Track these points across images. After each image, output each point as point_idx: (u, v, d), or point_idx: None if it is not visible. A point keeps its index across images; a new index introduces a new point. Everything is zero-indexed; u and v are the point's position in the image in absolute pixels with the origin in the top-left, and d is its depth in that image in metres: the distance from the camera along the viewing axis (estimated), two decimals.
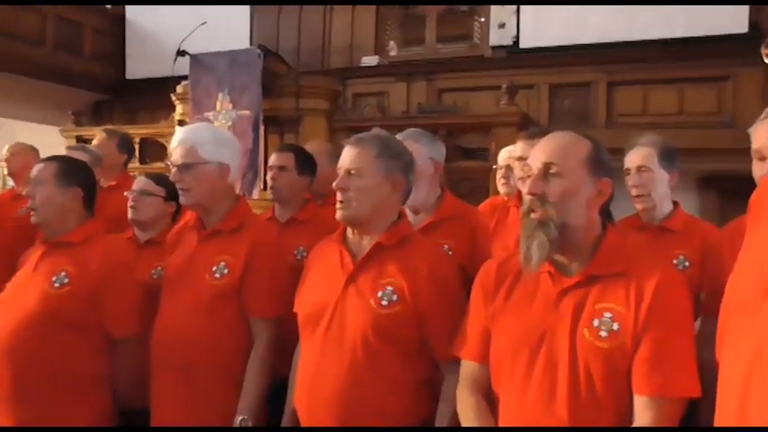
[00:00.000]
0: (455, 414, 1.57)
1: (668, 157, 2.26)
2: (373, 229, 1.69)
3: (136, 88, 6.65)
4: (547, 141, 1.41)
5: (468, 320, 1.53)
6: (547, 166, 1.37)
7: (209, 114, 3.99)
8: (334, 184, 1.69)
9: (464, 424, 1.46)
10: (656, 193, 2.25)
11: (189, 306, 1.91)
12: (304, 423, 1.68)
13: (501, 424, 1.40)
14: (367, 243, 1.69)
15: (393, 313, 1.59)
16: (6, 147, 3.73)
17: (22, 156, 3.63)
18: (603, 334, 1.29)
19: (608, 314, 1.30)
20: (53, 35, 6.23)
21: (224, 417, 1.86)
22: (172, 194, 2.37)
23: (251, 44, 5.58)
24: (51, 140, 4.95)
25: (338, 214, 1.68)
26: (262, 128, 3.85)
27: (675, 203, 2.32)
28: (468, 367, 1.50)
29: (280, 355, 1.93)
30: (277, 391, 1.90)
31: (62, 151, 3.15)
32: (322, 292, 1.69)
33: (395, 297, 1.60)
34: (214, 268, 1.93)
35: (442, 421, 1.61)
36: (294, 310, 1.79)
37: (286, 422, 1.82)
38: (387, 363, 1.59)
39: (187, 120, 4.16)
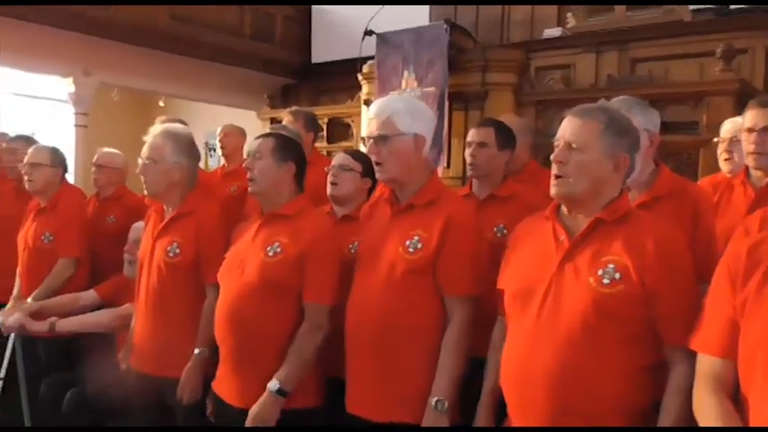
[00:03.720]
0: (682, 407, 1.42)
1: None
2: (590, 209, 1.59)
3: (320, 72, 6.96)
4: None
5: (708, 308, 1.37)
6: None
7: (395, 93, 4.01)
8: (552, 156, 1.60)
9: (704, 425, 1.30)
10: None
11: (382, 280, 1.93)
12: (512, 402, 1.63)
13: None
14: (583, 219, 1.59)
15: (615, 292, 1.48)
16: (220, 128, 4.07)
17: (233, 136, 3.93)
18: None
19: None
20: (250, 25, 6.74)
21: (419, 394, 1.86)
22: (368, 171, 2.42)
23: (430, 20, 5.54)
24: (249, 123, 5.32)
25: (553, 191, 1.59)
26: (447, 104, 3.79)
27: None
28: (707, 363, 1.34)
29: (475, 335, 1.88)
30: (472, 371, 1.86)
31: (260, 133, 3.35)
32: (533, 270, 1.62)
33: (617, 275, 1.49)
34: (408, 242, 1.92)
35: (669, 414, 1.46)
36: (499, 287, 1.73)
37: (485, 401, 1.78)
38: (607, 345, 1.49)
39: (373, 99, 4.23)
